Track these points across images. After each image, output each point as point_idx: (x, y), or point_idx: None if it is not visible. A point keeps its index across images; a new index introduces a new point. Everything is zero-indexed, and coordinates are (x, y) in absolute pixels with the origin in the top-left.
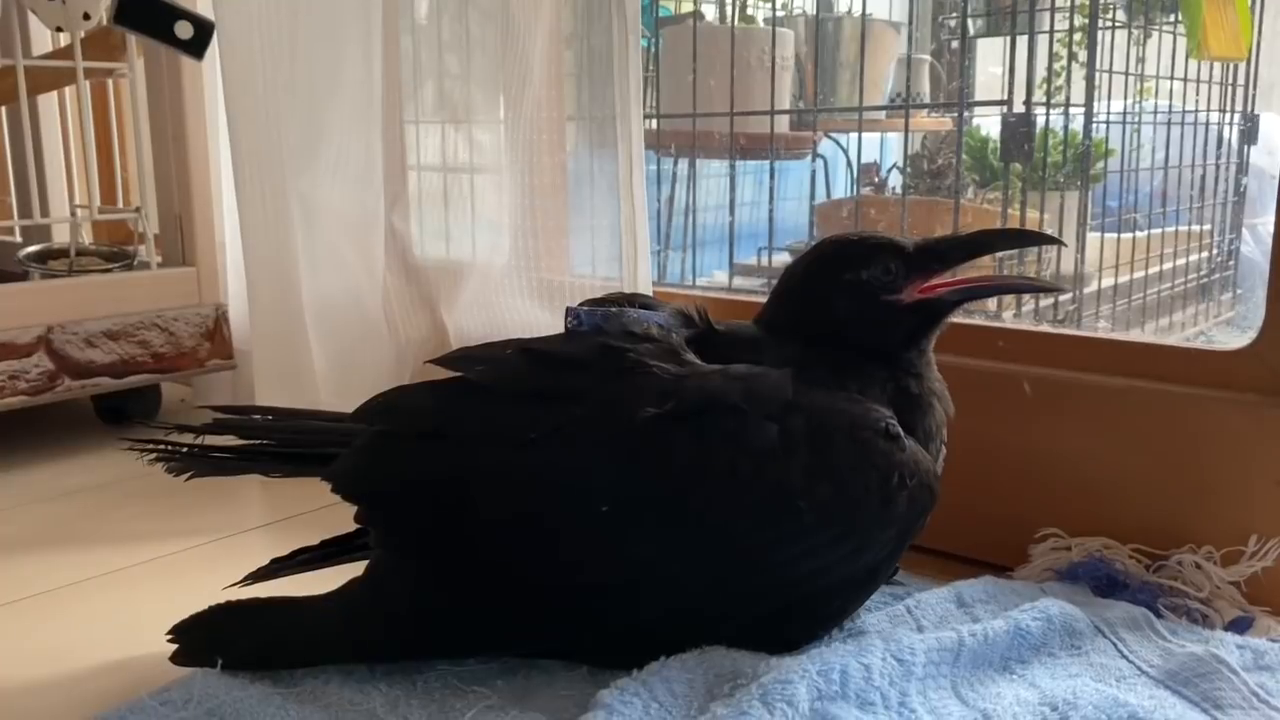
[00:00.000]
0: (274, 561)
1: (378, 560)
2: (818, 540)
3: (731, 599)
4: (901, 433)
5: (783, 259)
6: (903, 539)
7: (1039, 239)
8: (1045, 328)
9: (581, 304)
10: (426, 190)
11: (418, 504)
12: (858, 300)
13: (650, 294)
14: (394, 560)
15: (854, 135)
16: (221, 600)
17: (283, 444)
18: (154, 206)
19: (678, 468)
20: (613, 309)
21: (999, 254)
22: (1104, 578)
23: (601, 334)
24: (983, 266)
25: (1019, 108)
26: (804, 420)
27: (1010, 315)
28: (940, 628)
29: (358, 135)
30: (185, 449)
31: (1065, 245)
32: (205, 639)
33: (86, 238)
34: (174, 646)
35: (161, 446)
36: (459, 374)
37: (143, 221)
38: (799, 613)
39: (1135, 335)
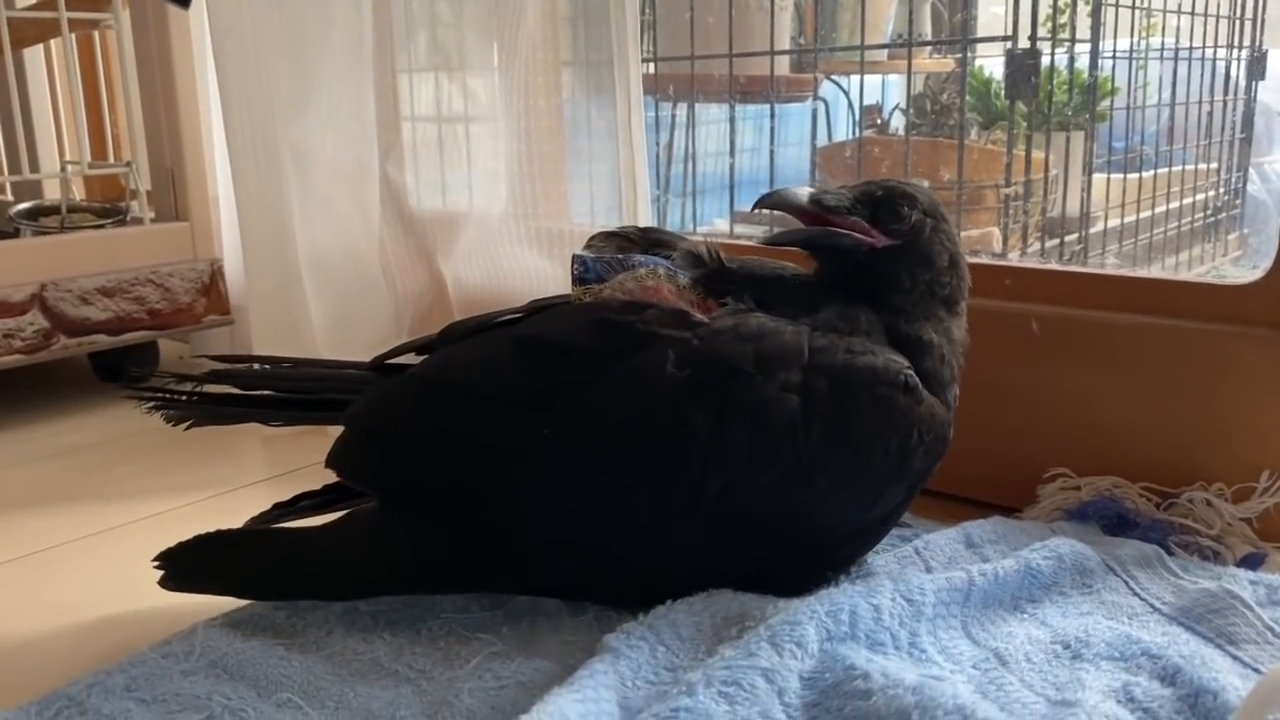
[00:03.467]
0: (276, 506)
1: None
2: (832, 502)
3: (741, 554)
4: (919, 384)
5: None
6: (914, 490)
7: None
8: (1053, 265)
9: (593, 238)
10: (421, 139)
11: (426, 503)
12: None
13: None
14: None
15: (855, 77)
16: None
17: (282, 391)
18: (145, 161)
19: (695, 454)
20: (619, 256)
21: (1005, 191)
22: (1114, 517)
23: (598, 308)
24: (989, 207)
25: (1024, 44)
26: (826, 382)
27: (1015, 256)
28: (949, 568)
29: (350, 83)
30: (184, 396)
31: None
32: (197, 565)
33: (78, 194)
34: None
35: (160, 394)
36: (453, 379)
37: (134, 176)
38: (808, 561)
39: (1144, 271)
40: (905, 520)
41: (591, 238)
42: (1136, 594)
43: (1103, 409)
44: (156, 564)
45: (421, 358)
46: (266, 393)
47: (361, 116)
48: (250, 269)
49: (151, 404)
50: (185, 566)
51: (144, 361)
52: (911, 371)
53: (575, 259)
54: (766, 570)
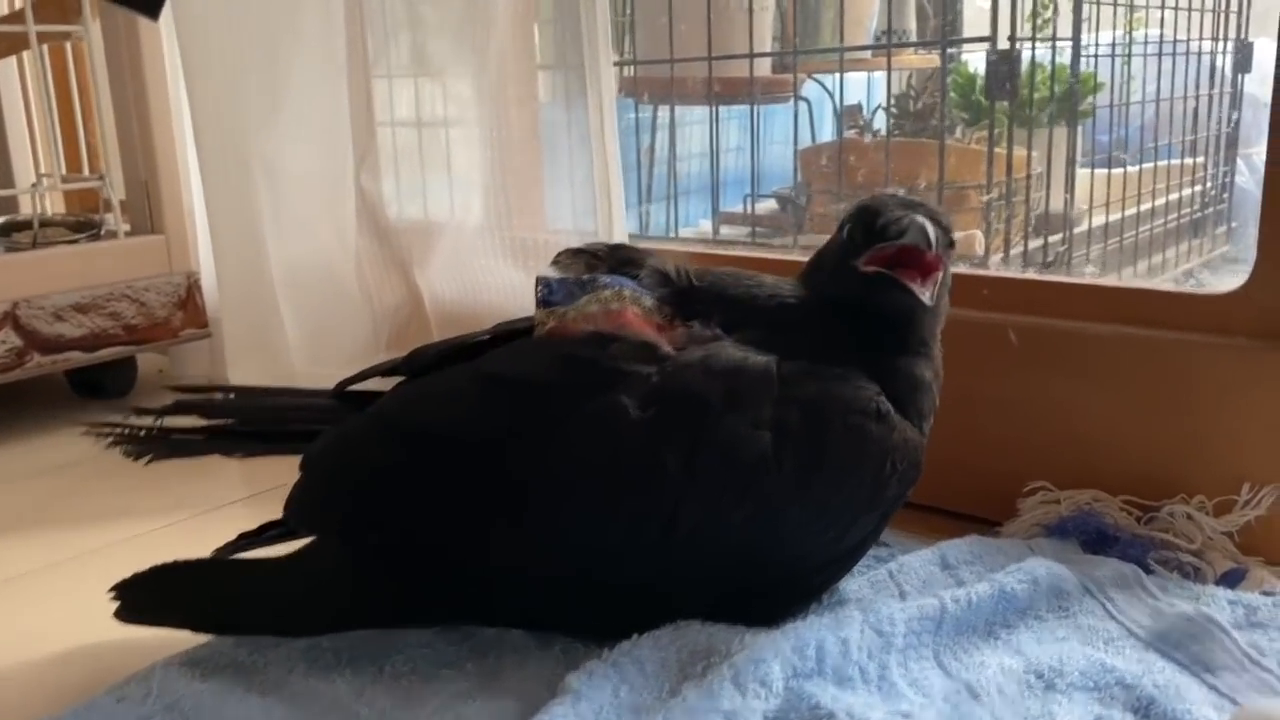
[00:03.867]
0: (241, 536)
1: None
2: (806, 533)
3: (712, 586)
4: (891, 409)
5: (768, 205)
6: (887, 516)
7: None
8: (1031, 274)
9: (560, 255)
10: (397, 148)
11: (389, 547)
12: (833, 257)
13: None
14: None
15: (839, 76)
16: None
17: (245, 422)
18: (119, 173)
19: (667, 493)
20: (584, 277)
21: (986, 197)
22: (1094, 532)
23: (563, 344)
24: (971, 209)
25: (1004, 43)
26: (798, 413)
27: (998, 259)
28: (924, 592)
29: (322, 91)
30: (145, 431)
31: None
32: (154, 597)
33: (53, 208)
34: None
35: (120, 429)
36: (416, 420)
37: (108, 189)
38: (780, 591)
39: (1124, 280)
40: (882, 540)
41: (558, 255)
42: (1113, 617)
43: (1082, 420)
44: (113, 595)
45: (388, 380)
46: (229, 423)
47: (335, 124)
48: (224, 284)
49: (111, 440)
50: (142, 598)
51: (121, 377)
52: (883, 397)
53: (539, 281)
54: (738, 600)
